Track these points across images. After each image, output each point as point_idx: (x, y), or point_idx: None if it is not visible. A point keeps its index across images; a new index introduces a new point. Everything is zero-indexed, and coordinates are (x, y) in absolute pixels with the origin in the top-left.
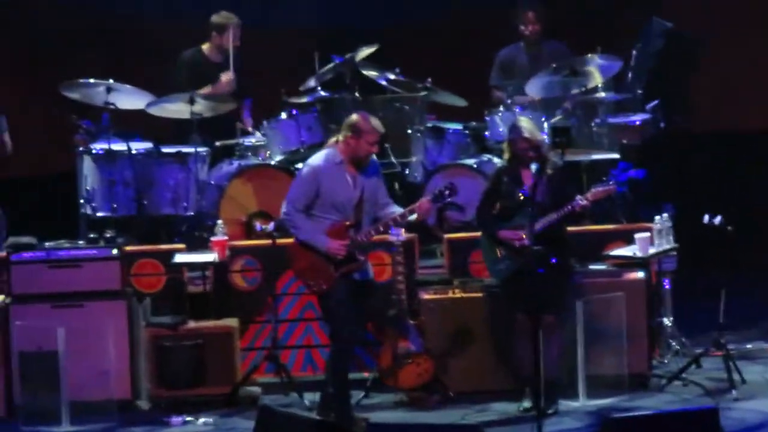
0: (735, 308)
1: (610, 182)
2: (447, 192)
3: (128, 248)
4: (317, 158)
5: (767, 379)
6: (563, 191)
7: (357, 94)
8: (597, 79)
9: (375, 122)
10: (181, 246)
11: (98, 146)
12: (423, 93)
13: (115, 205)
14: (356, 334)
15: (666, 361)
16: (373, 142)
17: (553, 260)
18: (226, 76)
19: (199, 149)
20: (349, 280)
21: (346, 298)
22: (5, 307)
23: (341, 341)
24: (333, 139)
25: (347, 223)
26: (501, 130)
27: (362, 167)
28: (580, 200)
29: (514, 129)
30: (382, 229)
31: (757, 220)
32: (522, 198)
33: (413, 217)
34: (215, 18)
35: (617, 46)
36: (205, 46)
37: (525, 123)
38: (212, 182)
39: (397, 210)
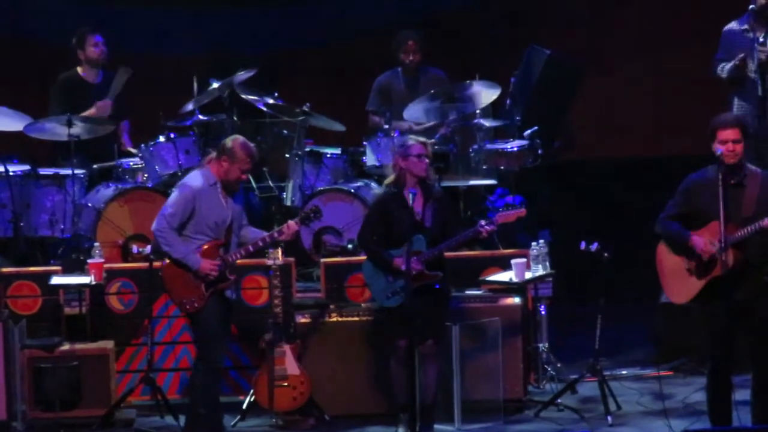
0: (610, 334)
1: (519, 205)
2: (312, 215)
3: (4, 270)
4: (195, 179)
5: (642, 405)
6: (447, 216)
7: (235, 118)
8: (476, 105)
9: (250, 149)
10: (58, 268)
11: None
12: (301, 117)
13: None
14: (224, 355)
15: (541, 387)
16: (246, 170)
17: (437, 286)
18: (103, 104)
19: (77, 171)
20: (220, 299)
21: (217, 318)
22: None
23: (212, 361)
24: (206, 159)
25: (219, 243)
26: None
27: (232, 191)
28: (485, 224)
29: (404, 143)
30: (252, 249)
31: (633, 248)
32: (413, 223)
33: (281, 238)
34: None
35: (496, 73)
36: (80, 68)
37: (415, 138)
38: (89, 205)
39: (259, 232)
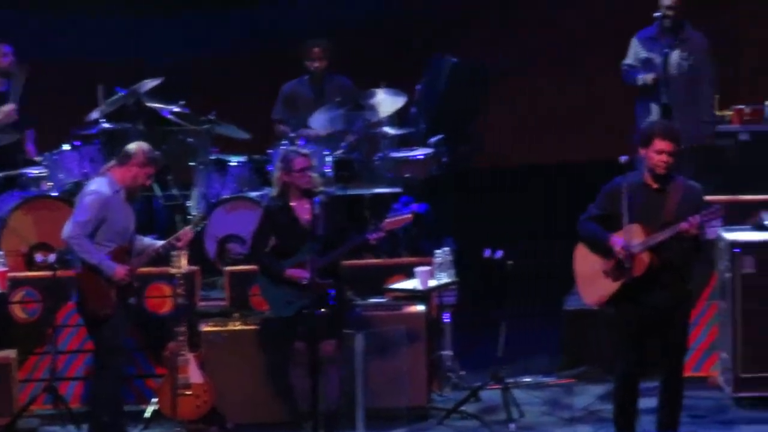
0: (514, 342)
1: (405, 211)
2: (200, 220)
3: None
4: (101, 186)
5: (544, 412)
6: (338, 223)
7: (141, 126)
8: (381, 113)
9: (154, 155)
10: None
11: None
12: (207, 126)
13: None
14: (127, 363)
15: (445, 394)
16: (149, 175)
17: (331, 292)
18: (6, 108)
19: None
20: (124, 306)
21: (122, 325)
22: None
23: (116, 369)
24: (106, 167)
25: (126, 248)
26: None
27: (133, 198)
28: (373, 231)
29: (286, 157)
30: (153, 256)
31: (538, 255)
32: (303, 233)
33: (178, 245)
34: None
35: (402, 80)
36: None
37: (296, 150)
38: None
39: (149, 240)
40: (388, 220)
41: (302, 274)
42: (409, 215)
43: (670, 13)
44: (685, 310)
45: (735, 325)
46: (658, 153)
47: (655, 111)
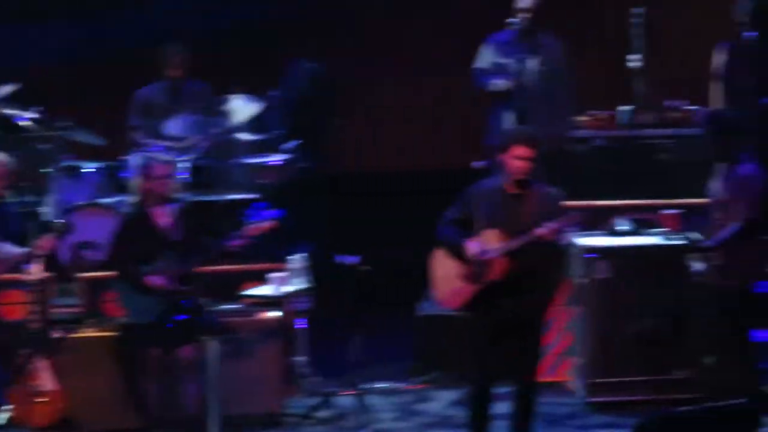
0: (369, 347)
1: (266, 219)
2: (63, 228)
3: None
4: None
5: (398, 418)
6: (197, 230)
7: None
8: (237, 119)
9: (7, 163)
10: None
11: None
12: (61, 132)
13: None
14: None
15: (299, 400)
16: (4, 186)
17: (190, 299)
18: None
19: None
20: None
21: None
22: None
23: None
24: None
25: None
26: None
27: None
28: (234, 238)
29: (147, 163)
30: (13, 262)
31: (393, 261)
32: (162, 240)
33: (37, 252)
34: None
35: (259, 86)
36: None
37: (157, 156)
38: None
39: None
40: (249, 227)
41: (162, 281)
42: (271, 222)
43: (526, 16)
44: (540, 316)
45: (589, 330)
46: (517, 159)
47: (509, 117)
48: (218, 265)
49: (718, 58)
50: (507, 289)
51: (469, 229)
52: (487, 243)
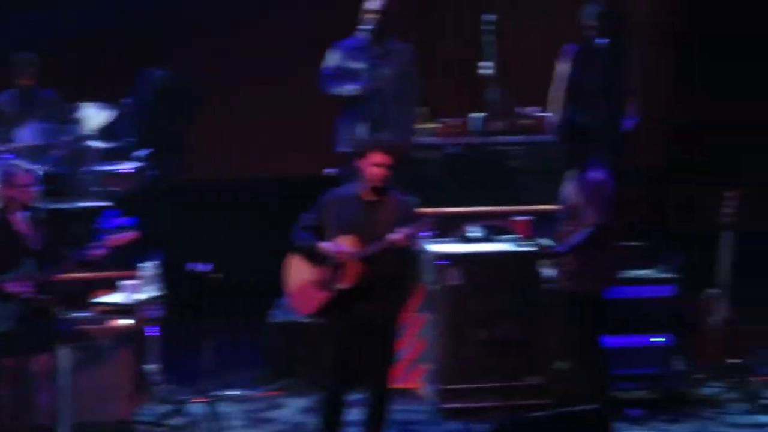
0: (221, 355)
1: (129, 227)
2: None
3: None
4: None
5: (249, 425)
6: (56, 237)
7: None
8: (89, 127)
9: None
10: None
11: None
12: None
13: None
14: None
15: (151, 408)
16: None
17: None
18: None
19: None
20: None
21: None
22: None
23: None
24: None
25: None
26: None
27: None
28: (94, 247)
29: (9, 171)
30: None
31: (244, 269)
32: (22, 247)
33: None
34: None
35: (110, 94)
36: None
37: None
38: None
39: None
40: (111, 237)
41: (20, 289)
42: (134, 233)
43: (376, 17)
44: (394, 323)
45: (440, 337)
46: (374, 166)
47: (360, 123)
48: (72, 272)
49: (563, 63)
50: (360, 294)
51: (323, 236)
52: (339, 249)
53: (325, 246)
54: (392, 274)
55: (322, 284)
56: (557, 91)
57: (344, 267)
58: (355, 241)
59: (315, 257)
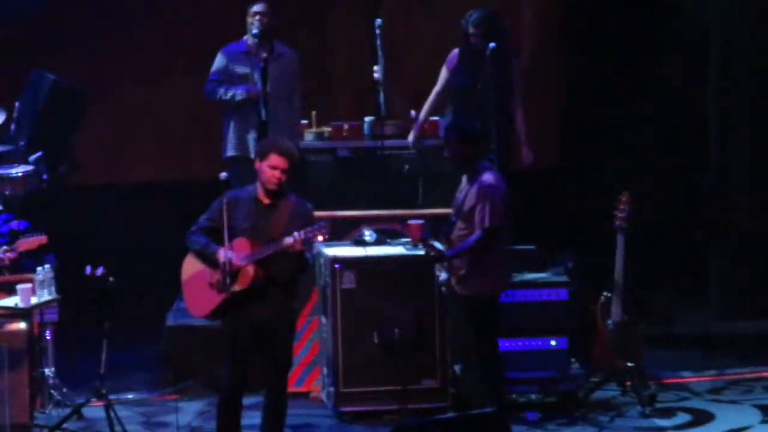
0: (118, 358)
1: (40, 233)
2: None
3: None
4: None
5: (147, 429)
6: None
7: None
8: None
9: None
10: None
11: None
12: None
13: None
14: None
15: (48, 412)
16: None
17: None
18: None
19: None
20: None
21: None
22: None
23: None
24: None
25: None
26: None
27: None
28: (5, 251)
29: None
30: None
31: (139, 271)
32: None
33: None
34: None
35: (1, 97)
36: None
37: None
38: None
39: None
40: (23, 240)
41: None
42: (44, 237)
43: (262, 21)
44: (289, 326)
45: (335, 340)
46: (272, 168)
47: (248, 128)
48: None
49: (445, 68)
50: (253, 297)
51: (218, 238)
52: (237, 251)
53: (219, 254)
54: (287, 278)
55: (215, 286)
56: (432, 95)
57: (238, 270)
58: (249, 243)
59: (209, 260)
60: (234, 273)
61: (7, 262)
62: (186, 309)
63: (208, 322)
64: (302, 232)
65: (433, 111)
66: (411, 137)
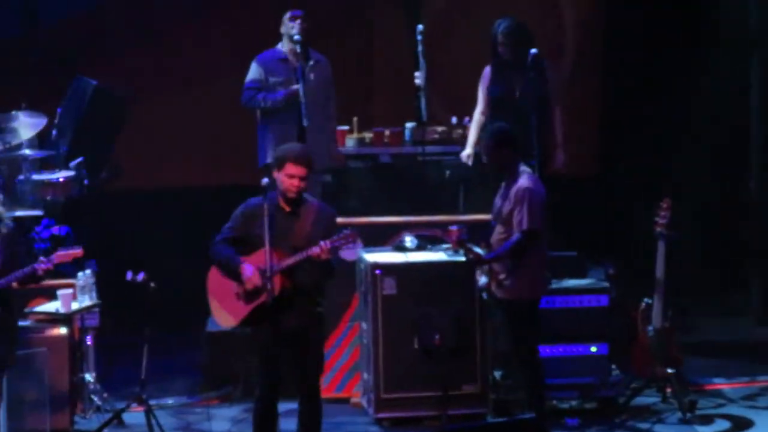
0: (158, 364)
1: (76, 246)
2: None
3: None
4: None
5: None
6: (16, 250)
7: None
8: (21, 136)
9: None
10: None
11: None
12: None
13: None
14: None
15: (88, 417)
16: None
17: None
18: None
19: None
20: None
21: None
22: None
23: None
24: None
25: None
26: None
27: None
28: (43, 263)
29: None
30: None
31: (180, 277)
32: None
33: None
34: None
35: (43, 102)
36: None
37: None
38: None
39: None
40: (59, 254)
41: None
42: (80, 250)
43: (303, 26)
44: (317, 331)
45: (376, 346)
46: (289, 177)
47: (289, 133)
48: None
49: (481, 85)
50: (282, 306)
51: (243, 248)
52: (261, 261)
53: (243, 270)
54: (312, 285)
55: (243, 297)
56: (475, 116)
57: (266, 281)
58: (274, 253)
59: (233, 272)
60: (261, 284)
61: (41, 272)
62: (214, 320)
63: (235, 330)
64: (328, 242)
65: (480, 132)
66: (463, 157)
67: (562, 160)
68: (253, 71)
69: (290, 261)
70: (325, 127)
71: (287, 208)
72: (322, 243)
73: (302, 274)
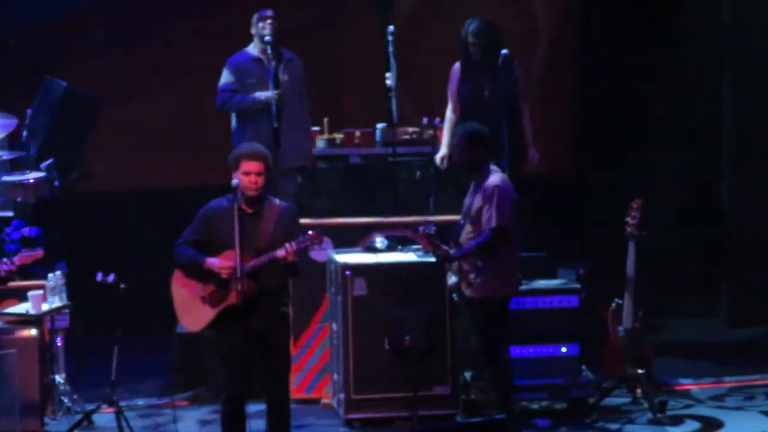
0: (128, 365)
1: (36, 249)
2: None
3: None
4: None
5: None
6: None
7: None
8: None
9: None
10: None
11: None
12: None
13: None
14: None
15: (58, 418)
16: None
17: None
18: None
19: None
20: None
21: None
22: None
23: None
24: None
25: None
26: None
27: None
28: (6, 264)
29: None
30: None
31: (150, 277)
32: None
33: None
34: None
35: (12, 104)
36: None
37: None
38: None
39: None
40: (21, 255)
41: None
42: (40, 252)
43: (274, 26)
44: (283, 331)
45: (346, 347)
46: (246, 174)
47: (264, 135)
48: None
49: (451, 84)
50: (247, 308)
51: (206, 251)
52: (226, 264)
53: (209, 263)
54: (277, 286)
55: (208, 300)
56: (447, 115)
57: (229, 282)
58: (238, 255)
59: (198, 273)
60: (225, 287)
61: (4, 274)
62: (180, 324)
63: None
64: (294, 243)
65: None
66: (438, 159)
67: (537, 158)
68: (226, 76)
69: (255, 263)
70: (300, 124)
71: (249, 210)
72: (287, 245)
73: (267, 276)
